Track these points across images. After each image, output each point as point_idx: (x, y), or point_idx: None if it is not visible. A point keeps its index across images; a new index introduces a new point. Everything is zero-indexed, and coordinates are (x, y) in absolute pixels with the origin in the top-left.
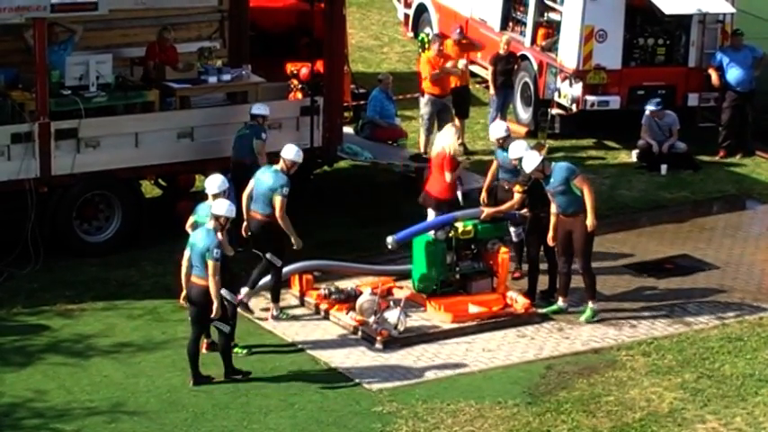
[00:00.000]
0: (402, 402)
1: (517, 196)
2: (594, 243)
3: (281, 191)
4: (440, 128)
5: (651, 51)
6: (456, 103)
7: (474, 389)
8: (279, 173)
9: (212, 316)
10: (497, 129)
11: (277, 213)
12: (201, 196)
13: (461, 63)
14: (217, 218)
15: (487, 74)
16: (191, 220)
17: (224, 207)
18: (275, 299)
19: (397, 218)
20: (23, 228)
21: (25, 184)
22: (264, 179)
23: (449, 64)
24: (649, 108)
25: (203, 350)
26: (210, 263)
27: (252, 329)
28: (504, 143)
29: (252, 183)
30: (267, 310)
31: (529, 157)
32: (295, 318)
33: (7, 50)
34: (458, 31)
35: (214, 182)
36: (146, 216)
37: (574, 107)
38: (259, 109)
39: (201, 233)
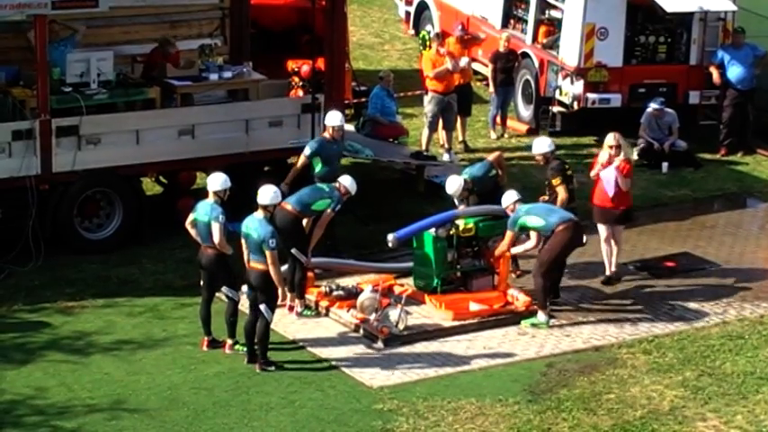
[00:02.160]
0: (403, 400)
1: (561, 189)
2: (596, 240)
3: (334, 206)
4: (444, 125)
5: (652, 49)
6: (458, 101)
7: (475, 386)
8: (335, 190)
9: (279, 302)
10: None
11: (321, 220)
12: (203, 194)
13: (464, 61)
14: (265, 207)
15: (488, 71)
16: (190, 217)
17: (269, 195)
18: (300, 296)
19: (398, 216)
20: (24, 225)
21: (26, 181)
22: (323, 186)
23: (448, 63)
24: (652, 106)
25: (203, 348)
26: (268, 253)
27: None
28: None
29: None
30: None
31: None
32: (319, 314)
33: (8, 48)
34: (459, 27)
35: (216, 179)
36: (147, 213)
37: (575, 105)
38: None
39: (254, 223)
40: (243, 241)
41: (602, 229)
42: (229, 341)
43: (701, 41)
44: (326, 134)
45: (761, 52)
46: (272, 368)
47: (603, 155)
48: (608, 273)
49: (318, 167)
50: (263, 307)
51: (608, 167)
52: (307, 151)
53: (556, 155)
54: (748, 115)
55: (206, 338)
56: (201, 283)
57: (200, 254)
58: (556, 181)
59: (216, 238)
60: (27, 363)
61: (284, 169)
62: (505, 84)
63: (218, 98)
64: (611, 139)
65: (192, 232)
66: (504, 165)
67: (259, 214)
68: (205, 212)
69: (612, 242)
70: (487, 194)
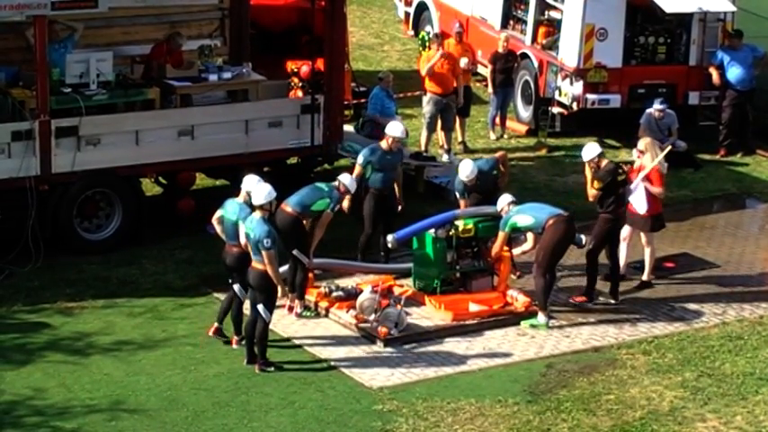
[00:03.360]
0: (402, 401)
1: (592, 191)
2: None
3: (333, 206)
4: (443, 126)
5: (652, 50)
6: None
7: (474, 387)
8: (334, 190)
9: (279, 300)
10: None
11: (321, 221)
12: (203, 194)
13: (463, 62)
14: (261, 207)
15: (487, 72)
16: (218, 213)
17: (263, 195)
18: (301, 296)
19: (398, 216)
20: (24, 225)
21: (26, 181)
22: (322, 186)
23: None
24: (656, 108)
25: (209, 333)
26: (264, 253)
27: None
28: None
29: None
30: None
31: (588, 148)
32: (319, 315)
33: (8, 48)
34: (457, 25)
35: (252, 181)
36: (146, 214)
37: (574, 106)
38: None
39: (252, 223)
40: (218, 213)
41: (624, 229)
42: (236, 337)
43: (701, 42)
44: (384, 143)
45: (760, 53)
46: (272, 369)
47: (638, 160)
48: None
49: (370, 175)
50: (260, 307)
51: (637, 177)
52: (360, 160)
53: (606, 157)
54: (747, 116)
55: (215, 325)
56: (230, 280)
57: (225, 252)
58: (596, 184)
59: (242, 238)
60: (27, 363)
61: (284, 170)
62: (505, 84)
63: (217, 99)
64: (640, 143)
65: (218, 228)
66: (507, 165)
67: (257, 214)
68: (234, 211)
69: (627, 244)
70: (487, 195)
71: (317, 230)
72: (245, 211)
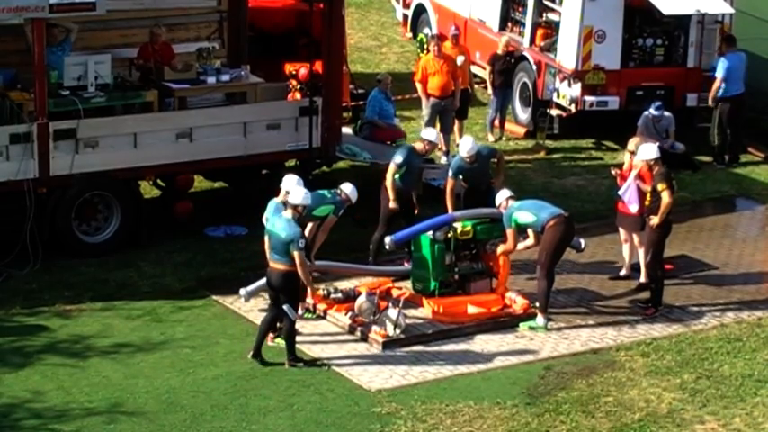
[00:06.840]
0: (401, 403)
1: (666, 195)
2: (594, 243)
3: (337, 212)
4: (442, 128)
5: (650, 52)
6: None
7: (473, 389)
8: (336, 196)
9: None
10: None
11: (325, 225)
12: (201, 197)
13: (459, 59)
14: (295, 207)
15: (485, 74)
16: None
17: (300, 196)
18: (302, 299)
19: (398, 218)
20: (22, 228)
21: (24, 184)
22: (324, 193)
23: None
24: (652, 112)
25: (268, 342)
26: (296, 253)
27: (251, 330)
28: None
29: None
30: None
31: (646, 148)
32: (320, 317)
33: (6, 51)
34: (453, 27)
35: (291, 180)
36: (144, 217)
37: (573, 108)
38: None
39: (282, 222)
40: (266, 239)
41: (621, 232)
42: (271, 335)
43: (699, 44)
44: (418, 145)
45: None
46: (301, 364)
47: (627, 161)
48: (623, 272)
49: (398, 175)
50: (286, 307)
51: (629, 176)
52: (399, 160)
53: (659, 162)
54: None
55: (270, 334)
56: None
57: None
58: (662, 186)
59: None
60: (25, 366)
61: (282, 172)
62: (504, 86)
63: (215, 101)
64: (630, 144)
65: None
66: (502, 162)
67: (288, 214)
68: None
69: (629, 245)
70: (481, 196)
71: (320, 234)
72: (279, 209)
